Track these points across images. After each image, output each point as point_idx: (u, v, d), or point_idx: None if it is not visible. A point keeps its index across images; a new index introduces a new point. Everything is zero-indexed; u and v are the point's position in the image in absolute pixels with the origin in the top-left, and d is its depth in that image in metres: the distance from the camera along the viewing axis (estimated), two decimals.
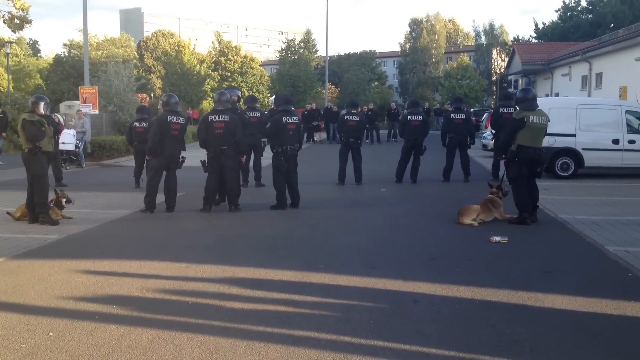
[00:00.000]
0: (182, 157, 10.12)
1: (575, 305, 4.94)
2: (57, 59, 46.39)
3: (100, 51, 45.60)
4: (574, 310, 4.85)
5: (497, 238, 7.40)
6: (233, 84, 52.27)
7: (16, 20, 24.80)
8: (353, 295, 5.34)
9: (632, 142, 13.45)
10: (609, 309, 4.85)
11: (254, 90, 54.70)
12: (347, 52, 70.00)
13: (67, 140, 16.90)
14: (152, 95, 45.01)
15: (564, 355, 3.98)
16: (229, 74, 57.50)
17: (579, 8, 48.19)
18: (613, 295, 5.17)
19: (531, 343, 4.18)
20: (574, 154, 13.67)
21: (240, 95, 11.17)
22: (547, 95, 32.84)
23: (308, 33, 60.51)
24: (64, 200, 9.33)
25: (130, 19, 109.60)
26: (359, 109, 15.21)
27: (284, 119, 9.97)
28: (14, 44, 42.03)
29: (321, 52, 59.50)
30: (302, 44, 59.47)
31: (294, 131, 10.10)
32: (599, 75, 27.32)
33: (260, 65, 62.03)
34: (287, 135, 9.98)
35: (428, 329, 4.48)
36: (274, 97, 12.48)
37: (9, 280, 5.91)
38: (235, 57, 58.63)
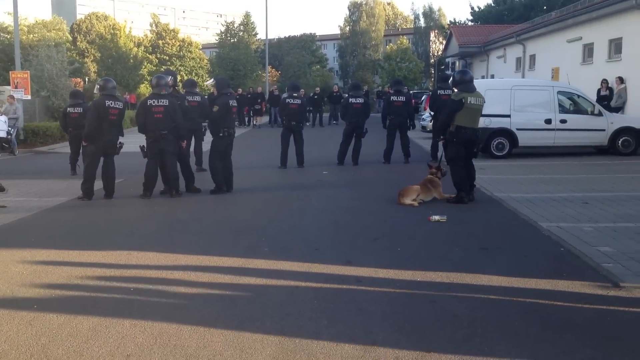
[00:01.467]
0: (120, 142, 9.91)
1: (511, 280, 5.14)
2: None
3: (32, 35, 43.62)
4: (509, 285, 5.04)
5: (437, 217, 7.60)
6: (172, 68, 51.15)
7: None
8: (297, 277, 5.39)
9: (563, 121, 13.98)
10: (542, 283, 5.07)
11: (193, 74, 53.63)
12: (287, 35, 69.74)
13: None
14: (86, 79, 43.49)
15: (500, 327, 4.15)
16: (167, 58, 56.17)
17: None
18: (545, 270, 5.41)
19: (469, 317, 4.34)
20: (508, 134, 14.09)
21: (175, 79, 10.96)
22: (483, 77, 33.67)
23: (247, 16, 59.73)
24: None
25: (63, 2, 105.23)
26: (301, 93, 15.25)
27: (230, 102, 9.98)
28: None
29: (261, 35, 59.10)
30: (242, 26, 58.65)
31: (235, 114, 10.16)
32: (533, 57, 28.18)
33: (199, 49, 60.80)
34: (231, 119, 10.11)
35: (371, 307, 4.58)
36: (212, 80, 12.30)
37: None
38: (173, 41, 57.31)
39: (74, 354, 3.82)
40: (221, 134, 10.03)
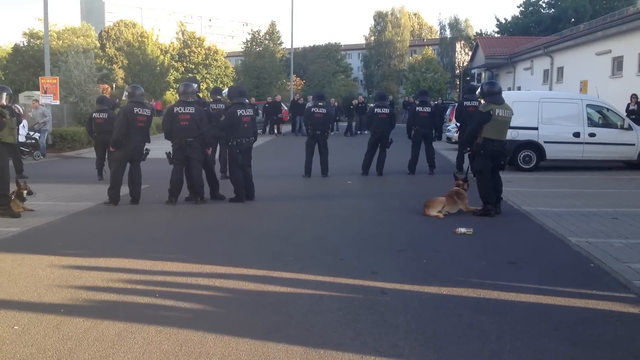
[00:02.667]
0: (147, 149, 10.01)
1: (540, 296, 5.05)
2: (16, 49, 45.06)
3: (61, 41, 44.37)
4: (537, 301, 4.95)
5: (462, 229, 7.52)
6: (197, 76, 51.65)
7: None
8: (322, 287, 5.37)
9: (592, 135, 13.78)
10: (572, 299, 4.98)
11: (219, 82, 54.10)
12: (312, 44, 69.93)
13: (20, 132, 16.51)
14: (114, 85, 44.13)
15: (528, 343, 4.07)
16: (193, 66, 56.76)
17: (541, 2, 48.98)
18: (575, 285, 5.32)
19: (497, 332, 4.27)
20: (536, 147, 13.92)
21: (198, 86, 11.02)
22: (509, 89, 33.37)
23: (273, 25, 60.14)
24: (25, 192, 9.11)
25: (92, 9, 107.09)
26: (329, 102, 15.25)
27: (239, 111, 9.92)
28: None
29: (286, 44, 59.30)
30: (267, 35, 59.09)
31: (249, 124, 10.06)
32: (560, 70, 27.89)
33: (225, 57, 61.31)
34: (242, 128, 9.93)
35: (396, 320, 4.53)
36: (226, 90, 12.37)
37: None
38: (199, 49, 57.89)
39: (99, 359, 3.83)
40: (230, 143, 10.04)
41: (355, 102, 31.09)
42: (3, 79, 44.02)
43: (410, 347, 4.02)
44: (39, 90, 21.41)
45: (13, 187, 9.08)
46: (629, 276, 5.55)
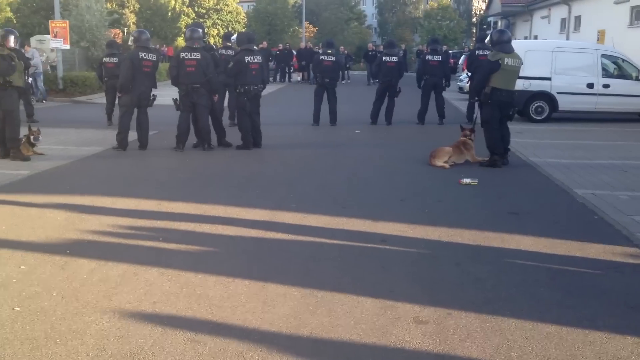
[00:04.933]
0: (154, 94, 9.98)
1: (539, 246, 5.08)
2: None
3: None
4: (537, 250, 4.98)
5: (467, 180, 7.50)
6: (208, 22, 50.96)
7: None
8: (323, 234, 5.42)
9: (606, 86, 13.54)
10: (572, 250, 5.00)
11: (229, 28, 53.31)
12: None
13: None
14: (125, 31, 43.72)
15: (523, 291, 4.12)
16: (204, 11, 55.86)
17: None
18: (577, 237, 5.31)
19: (493, 280, 4.31)
20: (548, 98, 13.72)
21: (203, 32, 10.88)
22: (525, 38, 32.65)
23: None
24: (32, 137, 9.17)
25: None
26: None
27: (247, 58, 9.80)
28: None
29: None
30: None
31: (257, 71, 9.94)
32: (578, 19, 27.15)
33: (236, 3, 60.21)
34: (250, 75, 9.83)
35: (394, 267, 4.58)
36: (235, 36, 12.19)
37: None
38: None
39: (103, 299, 3.94)
40: (237, 90, 9.97)
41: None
42: (15, 22, 43.65)
43: (406, 293, 4.08)
44: (49, 34, 21.26)
45: (24, 131, 9.15)
46: (632, 228, 5.54)
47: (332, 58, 13.40)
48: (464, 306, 3.85)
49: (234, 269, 4.50)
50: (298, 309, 3.81)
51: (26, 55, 17.73)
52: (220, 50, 11.87)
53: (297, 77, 30.96)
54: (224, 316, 3.72)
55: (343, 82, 27.96)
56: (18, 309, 3.77)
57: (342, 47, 31.31)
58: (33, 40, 23.60)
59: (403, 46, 38.09)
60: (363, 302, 3.91)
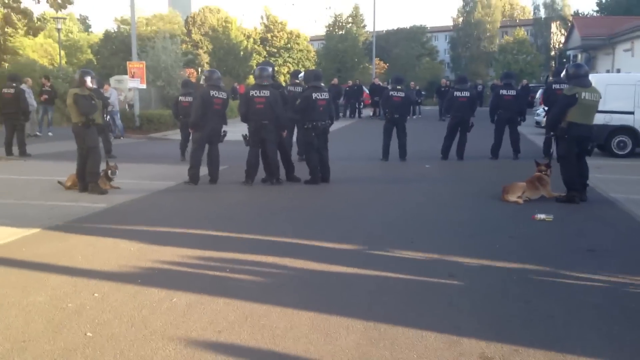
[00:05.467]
0: (224, 131, 10.27)
1: (616, 284, 4.83)
2: (107, 35, 47.29)
3: (149, 27, 46.19)
4: (613, 288, 4.74)
5: (542, 216, 7.25)
6: (279, 60, 52.29)
7: (59, 0, 25.23)
8: (389, 267, 5.35)
9: None
10: None
11: (300, 65, 54.51)
12: (396, 27, 68.98)
13: None
14: (199, 70, 45.52)
15: (597, 330, 3.92)
16: (275, 50, 57.48)
17: None
18: None
19: (565, 318, 4.12)
20: (631, 132, 13.21)
21: (273, 70, 11.14)
22: (607, 72, 31.65)
23: (356, 7, 59.99)
24: (109, 172, 9.60)
25: None
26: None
27: (314, 95, 10.00)
28: (65, 19, 42.97)
29: (369, 27, 58.83)
30: (350, 18, 58.90)
31: (324, 107, 10.10)
32: None
33: (307, 42, 61.64)
34: (317, 112, 10.01)
35: (461, 302, 4.47)
36: (302, 74, 12.41)
37: (59, 245, 6.18)
38: (281, 33, 58.53)
39: (170, 327, 4.03)
40: (305, 126, 10.14)
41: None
42: (95, 63, 46.29)
43: (472, 328, 3.96)
44: (127, 74, 22.34)
45: (102, 166, 9.60)
46: None
47: (402, 94, 13.40)
48: (532, 343, 3.70)
49: (298, 300, 4.51)
50: (360, 342, 3.76)
51: (105, 94, 18.72)
52: (288, 88, 12.14)
53: (368, 112, 31.20)
54: (287, 347, 3.72)
55: (414, 117, 27.87)
56: (90, 334, 3.91)
57: (413, 83, 31.33)
58: (112, 80, 24.86)
59: (480, 81, 37.67)
60: (427, 337, 3.82)
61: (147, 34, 39.40)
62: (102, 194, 9.07)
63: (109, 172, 9.57)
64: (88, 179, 9.24)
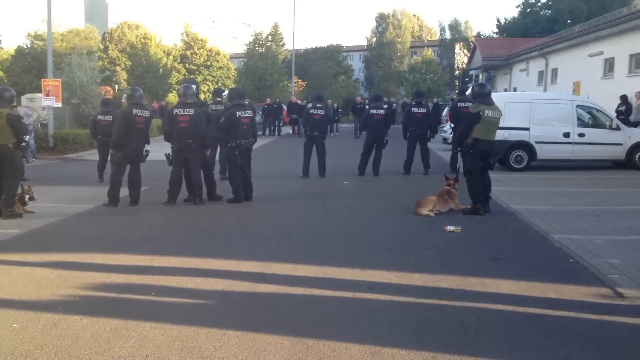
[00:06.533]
0: (146, 150, 10.18)
1: (519, 289, 5.27)
2: (19, 51, 45.22)
3: (64, 43, 44.50)
4: (517, 293, 5.16)
5: (451, 227, 7.72)
6: (199, 77, 51.84)
7: None
8: (313, 283, 5.55)
9: (582, 135, 14.00)
10: (549, 292, 5.19)
11: (220, 83, 54.24)
12: (314, 46, 70.12)
13: None
14: (116, 87, 44.36)
15: (503, 334, 4.27)
16: (195, 67, 56.92)
17: (539, 4, 49.14)
18: (553, 280, 5.52)
19: (475, 324, 4.47)
20: (527, 147, 14.13)
21: (197, 88, 11.19)
22: (505, 90, 33.54)
23: (276, 26, 60.42)
24: (27, 197, 9.31)
25: (95, 11, 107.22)
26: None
27: (238, 113, 10.08)
28: None
29: (288, 46, 59.52)
30: (270, 37, 59.32)
31: (248, 125, 10.22)
32: (555, 71, 28.05)
33: (227, 59, 61.45)
34: (241, 130, 10.09)
35: (381, 314, 4.73)
36: (226, 92, 12.55)
37: None
38: (201, 51, 58.08)
39: (96, 354, 4.02)
40: (229, 145, 10.22)
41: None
42: (6, 80, 44.12)
43: (393, 338, 4.22)
44: (41, 92, 21.52)
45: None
46: (604, 270, 5.77)
47: (321, 112, 13.76)
48: (448, 349, 4.00)
49: (226, 321, 4.61)
50: (289, 358, 3.93)
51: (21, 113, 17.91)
52: (210, 106, 12.19)
53: (287, 130, 31.48)
54: None
55: (332, 134, 28.40)
56: None
57: (330, 101, 31.97)
58: (24, 99, 23.85)
59: (393, 99, 38.92)
60: (351, 349, 4.04)
61: (62, 50, 37.92)
62: (16, 218, 8.78)
63: (26, 196, 9.26)
64: (6, 203, 8.90)
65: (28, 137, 16.74)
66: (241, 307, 4.98)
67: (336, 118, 31.52)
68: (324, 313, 4.77)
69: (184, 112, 9.84)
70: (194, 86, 10.61)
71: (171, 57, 52.20)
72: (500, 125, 9.41)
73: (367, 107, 17.21)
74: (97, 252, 6.84)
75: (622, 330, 4.38)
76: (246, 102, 10.70)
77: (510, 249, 6.88)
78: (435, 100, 30.59)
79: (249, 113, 10.33)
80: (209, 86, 50.84)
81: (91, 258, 6.58)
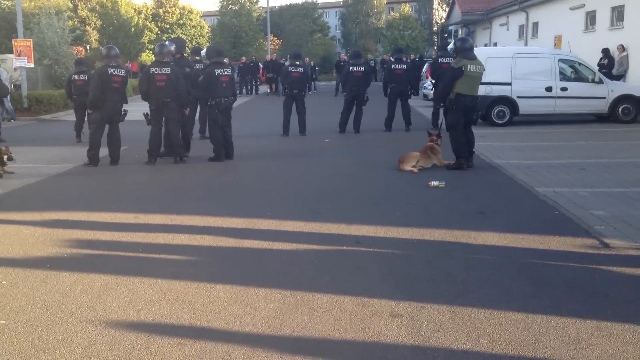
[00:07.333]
0: (124, 110, 10.02)
1: (505, 241, 5.34)
2: None
3: (33, 2, 43.16)
4: (503, 245, 5.25)
5: (435, 183, 7.78)
6: (172, 36, 50.80)
7: None
8: (299, 239, 5.60)
9: (564, 89, 14.04)
10: (535, 244, 5.27)
11: (194, 42, 53.31)
12: (288, 3, 68.92)
13: None
14: (88, 47, 43.31)
15: (492, 284, 4.35)
16: (168, 26, 55.76)
17: None
18: (539, 232, 5.60)
19: (463, 275, 4.55)
20: (509, 102, 14.17)
21: (183, 47, 11.00)
22: (485, 45, 33.40)
23: None
24: (5, 157, 9.14)
25: None
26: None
27: (217, 71, 9.96)
28: None
29: (262, 3, 58.52)
30: None
31: (227, 83, 10.12)
32: (535, 25, 27.94)
33: (200, 17, 60.22)
34: (220, 88, 9.99)
35: (369, 267, 4.78)
36: (204, 50, 12.35)
37: None
38: (173, 9, 56.80)
39: (87, 309, 4.04)
40: (209, 103, 10.12)
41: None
42: None
43: (381, 290, 4.28)
44: (11, 53, 20.98)
45: None
46: (590, 222, 5.85)
47: (300, 69, 13.63)
48: (437, 300, 4.07)
49: (215, 275, 4.64)
50: (279, 310, 3.97)
51: None
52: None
53: (265, 89, 31.16)
54: (208, 320, 3.85)
55: (310, 92, 28.15)
56: (3, 321, 3.84)
57: (307, 59, 31.61)
58: None
59: (370, 57, 38.58)
60: (341, 301, 4.09)
61: (30, 10, 36.77)
62: None
63: (5, 156, 9.09)
64: None
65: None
66: (229, 262, 5.00)
67: (314, 76, 31.25)
68: (312, 267, 4.81)
69: (160, 70, 9.68)
70: (171, 45, 10.43)
71: (142, 16, 51.03)
72: (482, 80, 9.40)
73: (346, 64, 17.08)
74: (81, 210, 6.79)
75: (609, 279, 4.48)
76: (225, 60, 10.54)
77: (495, 202, 6.94)
78: (412, 56, 30.34)
79: (227, 71, 10.22)
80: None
81: (76, 216, 6.53)
